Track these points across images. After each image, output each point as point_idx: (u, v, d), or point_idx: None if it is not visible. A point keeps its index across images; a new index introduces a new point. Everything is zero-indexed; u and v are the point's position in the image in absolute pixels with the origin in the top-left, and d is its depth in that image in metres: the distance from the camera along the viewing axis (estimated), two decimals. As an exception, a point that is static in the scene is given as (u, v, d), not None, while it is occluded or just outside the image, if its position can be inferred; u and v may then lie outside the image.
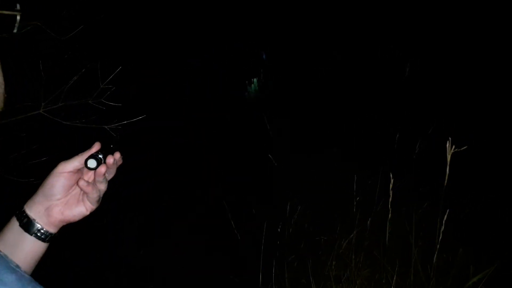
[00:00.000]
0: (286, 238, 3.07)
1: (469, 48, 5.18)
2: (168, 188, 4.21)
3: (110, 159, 0.82)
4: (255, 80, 6.52)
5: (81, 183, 0.81)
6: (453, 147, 1.71)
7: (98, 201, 0.84)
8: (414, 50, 5.10)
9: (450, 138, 1.70)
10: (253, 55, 7.28)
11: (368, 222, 2.68)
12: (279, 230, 3.04)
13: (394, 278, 2.43)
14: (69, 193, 0.83)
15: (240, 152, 5.07)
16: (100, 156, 0.82)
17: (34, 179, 2.02)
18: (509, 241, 2.39)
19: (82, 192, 0.83)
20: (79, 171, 0.83)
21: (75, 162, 0.81)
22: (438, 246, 2.11)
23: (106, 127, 1.97)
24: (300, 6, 7.06)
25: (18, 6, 0.55)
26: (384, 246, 2.54)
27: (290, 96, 5.68)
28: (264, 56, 7.41)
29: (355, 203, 2.79)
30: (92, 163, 0.80)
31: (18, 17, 0.55)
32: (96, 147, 0.84)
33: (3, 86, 0.53)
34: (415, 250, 2.40)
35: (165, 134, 5.23)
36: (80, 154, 0.83)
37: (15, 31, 0.56)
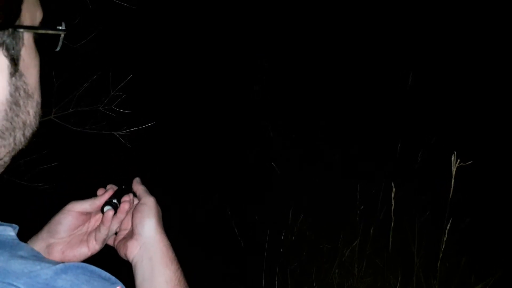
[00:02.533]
0: (289, 246, 3.09)
1: (471, 57, 5.22)
2: (171, 195, 4.22)
3: (126, 205, 0.83)
4: (257, 86, 6.54)
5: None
6: (458, 160, 1.74)
7: (104, 241, 0.82)
8: (418, 59, 5.14)
9: (455, 152, 1.73)
10: (254, 60, 7.30)
11: (371, 230, 2.70)
12: (282, 237, 3.06)
13: (397, 287, 2.45)
14: (73, 233, 0.81)
15: (243, 159, 5.09)
16: (115, 201, 0.82)
17: (44, 184, 2.05)
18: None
19: (87, 232, 0.82)
20: (88, 214, 0.83)
21: (86, 205, 0.81)
22: (441, 255, 2.13)
23: (115, 133, 1.99)
24: (301, 10, 7.11)
25: (63, 25, 0.54)
26: (386, 255, 2.56)
27: (293, 104, 5.71)
28: (265, 62, 7.43)
29: (358, 211, 2.81)
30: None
31: (62, 36, 0.55)
32: (109, 192, 0.84)
33: (39, 106, 0.53)
34: (417, 259, 2.42)
35: (168, 139, 5.25)
36: (92, 198, 0.83)
37: (57, 49, 0.56)
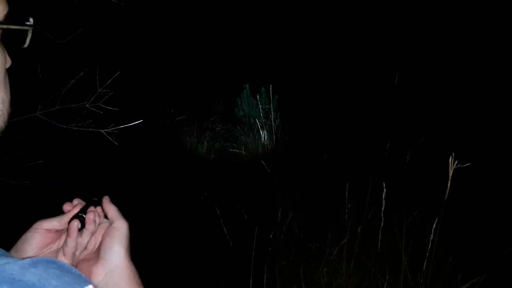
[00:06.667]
0: (277, 244, 3.09)
1: (460, 56, 5.26)
2: (159, 193, 4.20)
3: (90, 215, 0.79)
4: (247, 86, 6.54)
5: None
6: (456, 162, 1.72)
7: (73, 256, 0.78)
8: (405, 58, 5.16)
9: (453, 153, 1.72)
10: (247, 58, 7.29)
11: (359, 229, 2.71)
12: (270, 236, 3.06)
13: (385, 285, 2.46)
14: (42, 252, 0.77)
15: (232, 158, 5.08)
16: (84, 215, 0.79)
17: (29, 182, 2.01)
18: (499, 249, 2.43)
19: (55, 250, 0.78)
20: (57, 231, 0.79)
21: (54, 222, 0.77)
22: (428, 254, 2.15)
23: (102, 131, 1.96)
24: (293, 9, 7.11)
25: (31, 20, 0.52)
26: (374, 254, 2.57)
27: (283, 102, 5.71)
28: (257, 60, 7.43)
29: (346, 210, 2.81)
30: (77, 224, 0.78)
31: (30, 32, 0.53)
32: (78, 207, 0.81)
33: (6, 103, 0.51)
34: (405, 257, 2.43)
35: (156, 137, 5.22)
36: (61, 215, 0.79)
37: (25, 46, 0.54)
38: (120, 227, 0.79)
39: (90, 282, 0.47)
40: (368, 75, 5.56)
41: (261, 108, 5.72)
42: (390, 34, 5.88)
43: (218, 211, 3.01)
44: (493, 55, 5.13)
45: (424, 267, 2.23)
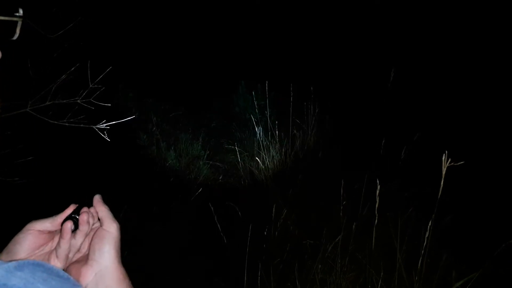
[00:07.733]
0: (272, 241, 3.08)
1: (454, 54, 5.26)
2: (152, 190, 4.17)
3: (84, 216, 0.78)
4: (243, 82, 6.52)
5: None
6: (449, 160, 1.71)
7: (66, 258, 0.77)
8: (400, 56, 5.16)
9: (446, 152, 1.71)
10: (243, 55, 7.27)
11: (354, 226, 2.70)
12: (265, 233, 3.05)
13: (379, 283, 2.45)
14: (34, 253, 0.76)
15: (225, 155, 5.06)
16: (77, 216, 0.78)
17: (19, 179, 1.98)
18: (493, 246, 2.43)
19: (48, 252, 0.77)
20: (50, 232, 0.78)
21: (46, 223, 0.76)
22: (423, 251, 2.14)
23: (94, 127, 1.94)
24: (290, 7, 7.10)
25: (21, 11, 0.51)
26: (369, 251, 2.57)
27: (279, 100, 5.69)
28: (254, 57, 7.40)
29: (341, 207, 2.81)
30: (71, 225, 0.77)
31: (19, 23, 0.51)
32: (70, 208, 0.80)
33: None
34: (400, 255, 2.43)
35: (150, 133, 5.19)
36: (53, 216, 0.78)
37: (15, 38, 0.53)
38: (110, 229, 0.78)
39: (79, 286, 0.46)
40: (363, 73, 5.56)
41: (257, 104, 5.70)
42: (386, 32, 5.88)
43: (212, 208, 2.99)
44: (488, 53, 5.14)
45: (419, 264, 2.22)
